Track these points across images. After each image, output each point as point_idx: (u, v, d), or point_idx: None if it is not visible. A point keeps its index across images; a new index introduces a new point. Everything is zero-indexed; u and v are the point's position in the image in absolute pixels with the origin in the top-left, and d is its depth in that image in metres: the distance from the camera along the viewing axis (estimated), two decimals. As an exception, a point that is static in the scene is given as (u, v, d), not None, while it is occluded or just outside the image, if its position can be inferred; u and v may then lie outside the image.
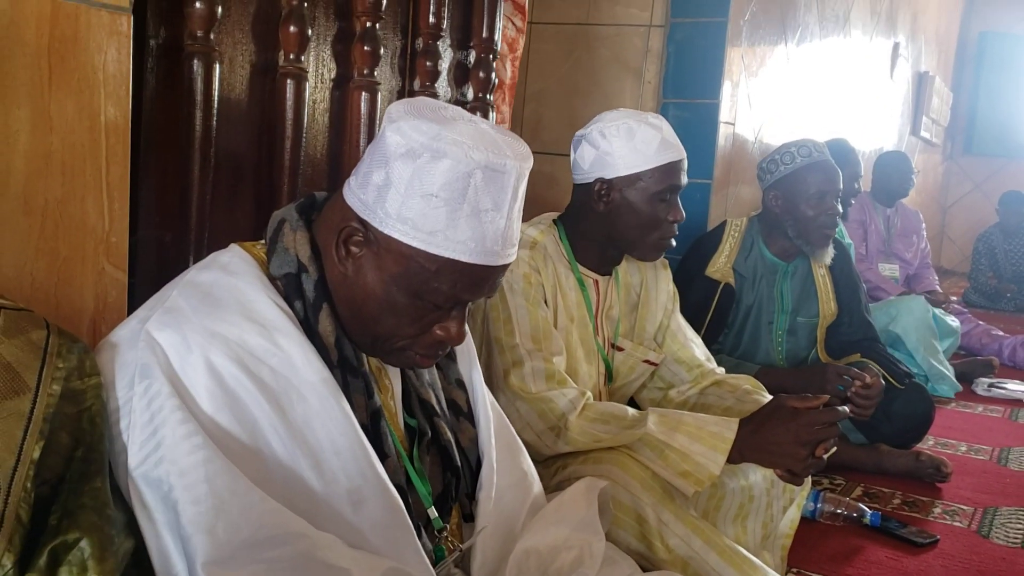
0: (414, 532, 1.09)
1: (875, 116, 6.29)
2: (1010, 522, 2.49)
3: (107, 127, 1.29)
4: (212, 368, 0.99)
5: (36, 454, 0.87)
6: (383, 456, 1.10)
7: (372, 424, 1.11)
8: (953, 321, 4.52)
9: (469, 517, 1.25)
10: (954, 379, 4.03)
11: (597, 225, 1.88)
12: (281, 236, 1.12)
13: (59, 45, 1.22)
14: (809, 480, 1.98)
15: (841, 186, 2.67)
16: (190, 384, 0.98)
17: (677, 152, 1.85)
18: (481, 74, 2.21)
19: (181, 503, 0.93)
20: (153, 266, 1.52)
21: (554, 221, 1.97)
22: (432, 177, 1.02)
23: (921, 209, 5.40)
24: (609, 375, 2.00)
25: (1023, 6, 9.26)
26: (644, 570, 1.42)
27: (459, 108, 1.12)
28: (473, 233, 1.04)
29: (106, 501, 0.91)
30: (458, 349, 1.32)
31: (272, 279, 1.10)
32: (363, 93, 1.87)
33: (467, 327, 1.18)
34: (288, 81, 1.70)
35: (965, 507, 2.59)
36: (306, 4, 1.68)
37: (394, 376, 1.22)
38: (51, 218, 1.24)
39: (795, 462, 1.61)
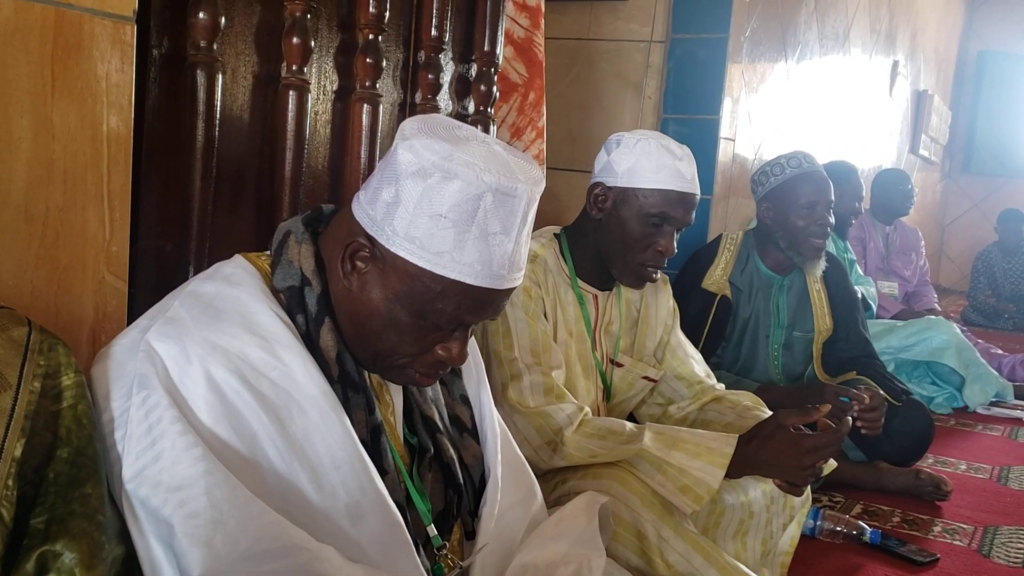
0: (413, 548, 1.08)
1: (874, 134, 6.31)
2: (1011, 541, 2.48)
3: (109, 136, 1.29)
4: (212, 380, 0.98)
5: (17, 452, 0.86)
6: (382, 472, 1.09)
7: (372, 440, 1.10)
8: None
9: (471, 535, 1.24)
10: (1005, 380, 4.16)
11: (590, 233, 1.88)
12: (286, 248, 1.12)
13: (62, 53, 1.22)
14: (809, 497, 1.97)
15: (832, 197, 2.66)
16: (189, 396, 0.97)
17: (685, 184, 1.80)
18: (482, 87, 2.21)
19: (177, 516, 0.92)
20: (153, 276, 1.51)
21: (556, 235, 1.97)
22: (442, 198, 1.02)
23: (920, 227, 5.40)
24: (607, 391, 1.99)
25: (1022, 26, 9.31)
26: (643, 586, 1.41)
27: (473, 128, 1.12)
28: (480, 256, 1.03)
29: (97, 507, 0.91)
30: (464, 365, 1.31)
31: (275, 291, 1.10)
32: (365, 105, 1.87)
33: (471, 344, 1.17)
34: (290, 92, 1.70)
35: (965, 526, 2.58)
36: (309, 16, 1.69)
37: (395, 392, 1.21)
38: (52, 226, 1.24)
39: (795, 475, 1.63)
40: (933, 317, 4.19)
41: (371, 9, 1.82)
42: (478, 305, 1.07)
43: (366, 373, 1.14)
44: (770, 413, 1.96)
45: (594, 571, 1.28)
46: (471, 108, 2.25)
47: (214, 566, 0.90)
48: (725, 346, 2.73)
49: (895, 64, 6.57)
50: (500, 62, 2.27)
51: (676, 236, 1.85)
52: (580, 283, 1.92)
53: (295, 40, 1.67)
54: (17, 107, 1.18)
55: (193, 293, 1.07)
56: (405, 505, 1.12)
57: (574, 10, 3.63)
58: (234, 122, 1.66)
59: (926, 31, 7.59)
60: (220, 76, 1.55)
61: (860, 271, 4.33)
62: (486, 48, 2.21)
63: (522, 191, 1.04)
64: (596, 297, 1.95)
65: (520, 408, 1.70)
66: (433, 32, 2.04)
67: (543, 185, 1.09)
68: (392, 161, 1.06)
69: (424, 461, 1.20)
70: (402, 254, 1.04)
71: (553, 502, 1.56)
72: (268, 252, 1.15)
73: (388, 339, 1.09)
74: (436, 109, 2.09)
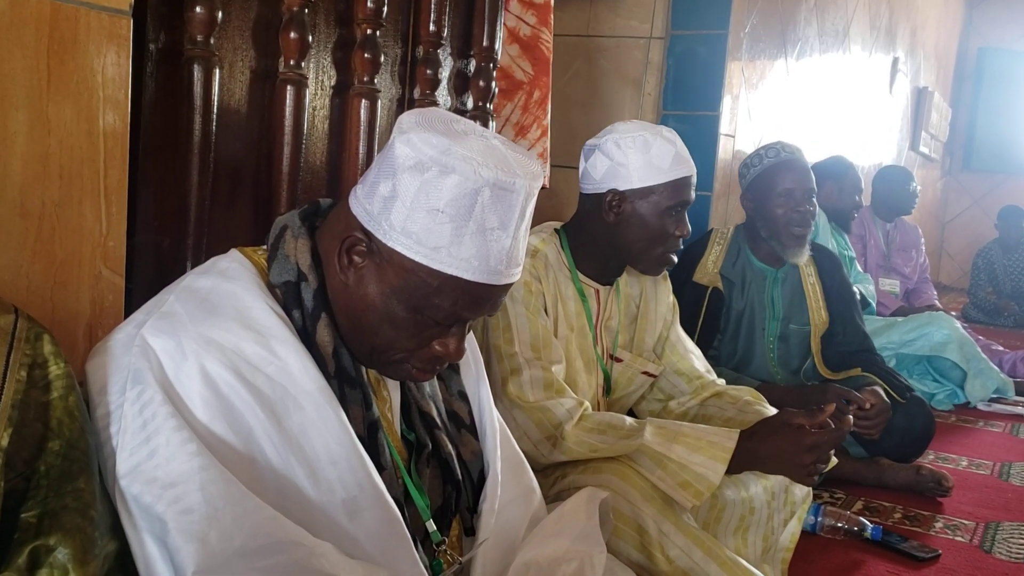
0: (411, 543, 1.07)
1: (874, 131, 6.30)
2: (1012, 537, 2.47)
3: (105, 131, 1.29)
4: (207, 376, 0.97)
5: (4, 441, 0.86)
6: (380, 468, 1.08)
7: (369, 435, 1.09)
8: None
9: (470, 531, 1.23)
10: (1006, 376, 4.16)
11: (603, 235, 1.87)
12: (282, 243, 1.11)
13: (58, 47, 1.21)
14: (810, 493, 1.96)
15: (813, 186, 2.64)
16: (184, 391, 0.97)
17: (689, 167, 1.84)
18: (481, 83, 2.21)
19: (171, 512, 0.91)
20: (151, 271, 1.51)
21: (556, 230, 1.96)
22: (439, 192, 1.01)
23: (920, 225, 5.40)
24: (608, 386, 1.98)
25: (1022, 22, 9.30)
26: (644, 582, 1.41)
27: (471, 122, 1.10)
28: (477, 251, 1.02)
29: (90, 502, 0.90)
30: (462, 361, 1.30)
31: (271, 287, 1.09)
32: (363, 100, 1.86)
33: (469, 340, 1.16)
34: (288, 87, 1.69)
35: (967, 522, 2.58)
36: (307, 10, 1.68)
37: (393, 388, 1.21)
38: (48, 221, 1.23)
39: (795, 473, 1.63)
40: (933, 312, 4.19)
41: (369, 4, 1.81)
42: (475, 301, 1.06)
43: (363, 369, 1.14)
44: (771, 408, 1.96)
45: (596, 568, 1.27)
46: (470, 104, 2.24)
47: (209, 562, 0.90)
48: (721, 339, 2.72)
49: (895, 61, 6.57)
50: (499, 58, 2.27)
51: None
52: (581, 278, 1.91)
53: (293, 35, 1.66)
54: (12, 101, 1.17)
55: (189, 288, 1.06)
56: (403, 501, 1.12)
57: (574, 7, 3.62)
58: (231, 117, 1.65)
59: (926, 28, 7.59)
60: (217, 71, 1.55)
61: (860, 268, 4.32)
62: (485, 43, 2.20)
63: (520, 186, 1.03)
64: (597, 292, 1.94)
65: (520, 402, 1.69)
66: (432, 27, 2.03)
67: (542, 180, 1.08)
68: (389, 155, 1.05)
69: (422, 457, 1.19)
70: (399, 249, 1.03)
71: (553, 497, 1.56)
72: (264, 247, 1.14)
73: (385, 334, 1.08)
74: (434, 105, 2.08)
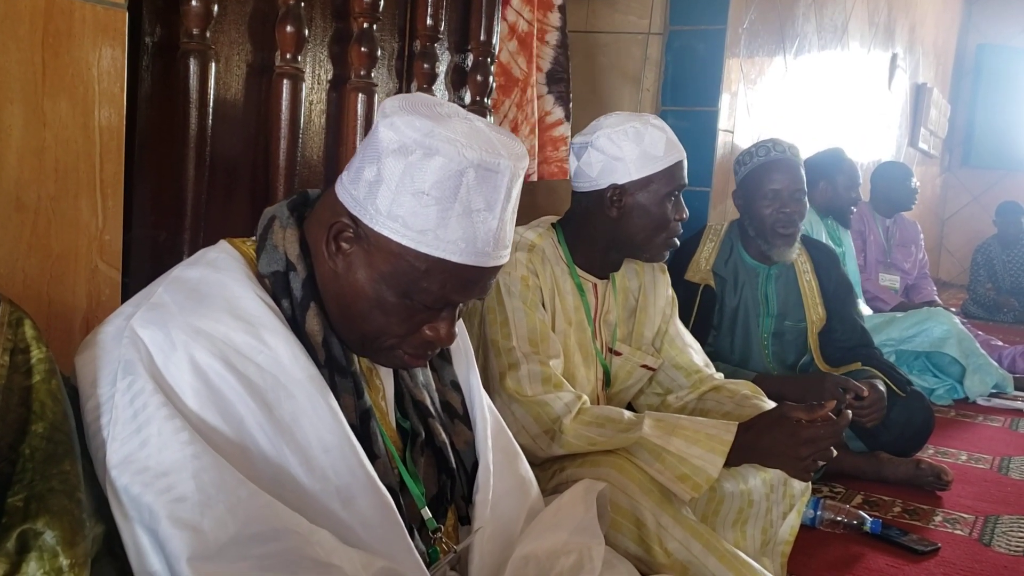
0: (405, 530, 1.07)
1: (873, 127, 6.30)
2: (1012, 530, 2.47)
3: (101, 125, 1.29)
4: (196, 366, 0.97)
5: None
6: (373, 457, 1.08)
7: (362, 424, 1.09)
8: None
9: (466, 520, 1.23)
10: (1005, 372, 4.17)
11: (606, 230, 1.87)
12: (271, 233, 1.11)
13: (53, 40, 1.21)
14: (809, 487, 1.96)
15: (802, 186, 2.62)
16: (174, 382, 0.97)
17: (680, 151, 1.86)
18: (479, 77, 2.21)
19: (163, 501, 0.91)
20: (147, 265, 1.50)
21: (552, 225, 1.95)
22: (424, 175, 1.01)
23: (919, 221, 5.39)
24: (607, 379, 1.98)
25: (1021, 19, 9.29)
26: (643, 574, 1.40)
27: (455, 105, 1.10)
28: (464, 233, 1.02)
29: (76, 484, 0.90)
30: (454, 351, 1.30)
31: (260, 277, 1.09)
32: (360, 95, 1.86)
33: (460, 328, 1.16)
34: (284, 81, 1.69)
35: (966, 515, 2.57)
36: (303, 4, 1.68)
37: (386, 377, 1.21)
38: (44, 215, 1.23)
39: (793, 466, 1.63)
40: (932, 308, 4.18)
41: (366, -2, 1.81)
42: (464, 283, 1.06)
43: (354, 358, 1.14)
44: (769, 402, 1.96)
45: (594, 559, 1.27)
46: (467, 99, 2.24)
47: (203, 550, 0.90)
48: (716, 335, 2.72)
49: (894, 57, 6.56)
50: (496, 52, 2.26)
51: None
52: (579, 272, 1.91)
53: (289, 28, 1.66)
54: (7, 95, 1.17)
55: (177, 279, 1.06)
56: (399, 490, 1.12)
57: (572, 3, 3.60)
58: (228, 111, 1.65)
59: (925, 24, 7.58)
60: (213, 65, 1.54)
61: (858, 265, 4.31)
62: (482, 38, 2.20)
63: (505, 166, 1.03)
64: (595, 286, 1.94)
65: (518, 397, 1.69)
66: (429, 21, 2.03)
67: (527, 161, 1.08)
68: (373, 139, 1.05)
69: (416, 445, 1.19)
70: (386, 233, 1.03)
71: (551, 491, 1.55)
72: (253, 238, 1.14)
73: (375, 320, 1.08)
74: (432, 99, 2.08)
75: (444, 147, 1.00)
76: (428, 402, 1.22)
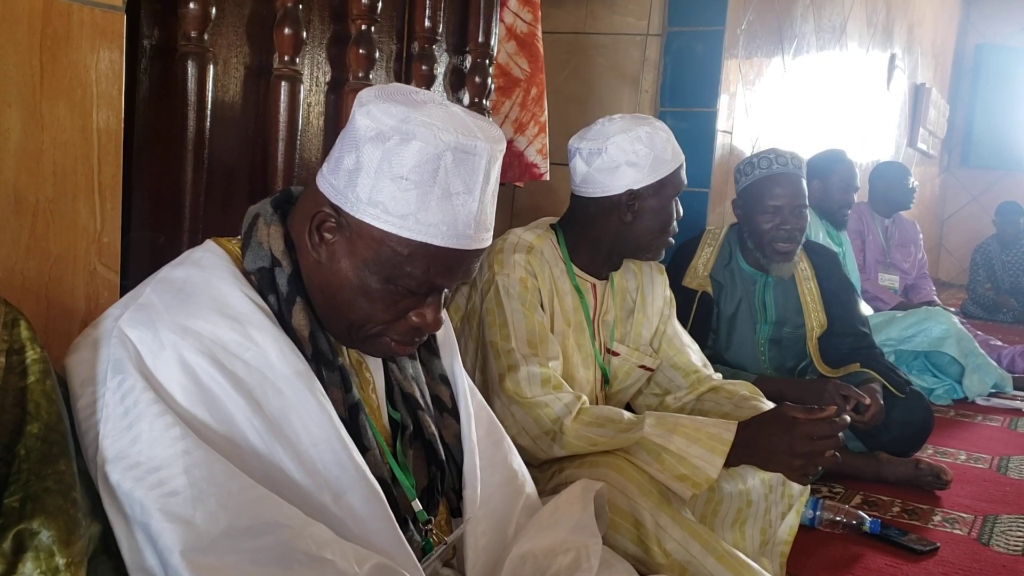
0: (395, 522, 1.08)
1: (872, 128, 6.30)
2: (1010, 530, 2.47)
3: (99, 127, 1.29)
4: (185, 365, 0.98)
5: None
6: (363, 450, 1.09)
7: (351, 418, 1.10)
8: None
9: (457, 512, 1.24)
10: (1004, 371, 4.17)
11: (615, 234, 1.87)
12: (255, 231, 1.12)
13: (51, 43, 1.21)
14: (808, 487, 1.96)
15: (803, 201, 2.59)
16: (164, 381, 0.97)
17: (681, 152, 1.88)
18: (477, 79, 2.21)
19: (154, 496, 0.91)
20: (146, 267, 1.50)
21: (551, 226, 1.96)
22: (402, 159, 1.02)
23: (918, 221, 5.39)
24: (605, 380, 1.98)
25: (1020, 19, 9.30)
26: (641, 575, 1.41)
27: (430, 92, 1.12)
28: (444, 216, 1.04)
29: (71, 484, 0.90)
30: (440, 342, 1.31)
31: (246, 274, 1.10)
32: (358, 97, 1.86)
33: (443, 318, 1.17)
34: (282, 84, 1.69)
35: (965, 515, 2.58)
36: (301, 6, 1.68)
37: (375, 370, 1.21)
38: (42, 218, 1.23)
39: (790, 471, 1.63)
40: (931, 308, 4.18)
41: (363, 0, 1.81)
42: (447, 267, 1.07)
43: (344, 351, 1.15)
44: (768, 403, 1.96)
45: (592, 558, 1.28)
46: (466, 100, 2.24)
47: (195, 543, 0.90)
48: (714, 339, 2.71)
49: (892, 57, 6.56)
50: (495, 53, 2.27)
51: None
52: (577, 272, 1.91)
53: (287, 31, 1.66)
54: (5, 98, 1.17)
55: (164, 279, 1.07)
56: (390, 483, 1.12)
57: (570, 4, 3.62)
58: (226, 114, 1.65)
59: (923, 24, 7.58)
60: (211, 67, 1.55)
61: (857, 266, 4.31)
62: (480, 39, 2.20)
63: (482, 148, 1.05)
64: (594, 286, 1.94)
65: (517, 399, 1.69)
66: (427, 23, 2.03)
67: (504, 144, 1.10)
68: (351, 129, 1.07)
69: (405, 437, 1.19)
70: (367, 220, 1.04)
71: (550, 492, 1.55)
72: (239, 237, 1.15)
73: (361, 308, 1.09)
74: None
75: (421, 131, 1.02)
76: (417, 394, 1.23)
